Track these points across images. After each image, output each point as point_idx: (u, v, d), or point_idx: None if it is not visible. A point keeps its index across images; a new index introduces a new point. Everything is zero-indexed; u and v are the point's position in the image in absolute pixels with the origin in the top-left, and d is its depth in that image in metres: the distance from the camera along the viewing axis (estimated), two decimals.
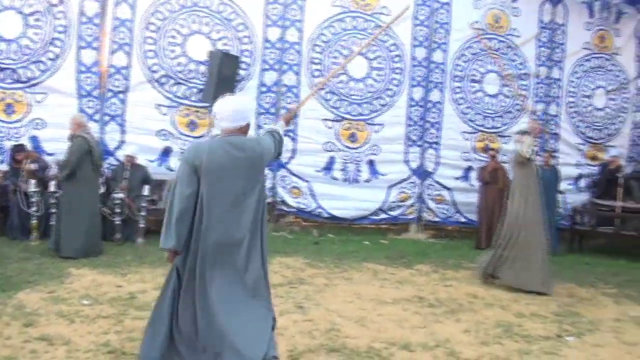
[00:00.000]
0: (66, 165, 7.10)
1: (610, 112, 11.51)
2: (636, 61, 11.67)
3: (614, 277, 7.73)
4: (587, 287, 7.03)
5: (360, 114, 10.03)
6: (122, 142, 9.08)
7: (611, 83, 11.52)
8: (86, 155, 7.11)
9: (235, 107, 3.42)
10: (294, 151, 9.81)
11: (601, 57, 11.44)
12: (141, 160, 8.81)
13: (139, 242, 7.97)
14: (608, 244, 10.15)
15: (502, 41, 10.69)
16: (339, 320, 4.93)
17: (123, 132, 9.11)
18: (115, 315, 4.73)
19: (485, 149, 10.44)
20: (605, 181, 10.21)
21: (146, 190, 8.29)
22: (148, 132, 9.16)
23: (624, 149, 11.42)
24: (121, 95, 9.07)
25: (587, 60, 11.35)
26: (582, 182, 11.17)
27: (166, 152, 9.26)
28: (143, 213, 8.15)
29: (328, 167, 9.88)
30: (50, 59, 8.72)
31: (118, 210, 8.04)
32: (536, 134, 7.62)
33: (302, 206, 9.87)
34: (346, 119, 9.94)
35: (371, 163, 10.09)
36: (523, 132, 7.13)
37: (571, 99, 11.24)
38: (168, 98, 9.24)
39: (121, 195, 8.17)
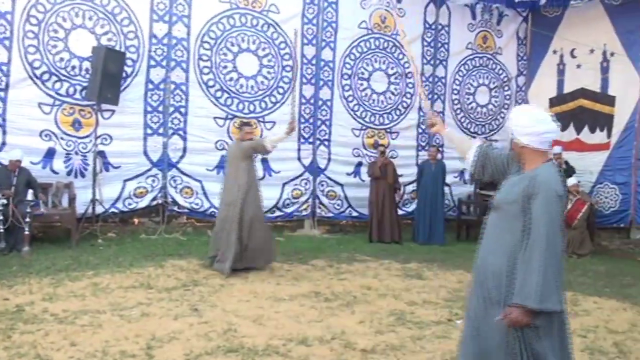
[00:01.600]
0: None
1: (492, 109, 12.22)
2: (517, 60, 12.43)
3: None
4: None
5: (252, 112, 10.08)
6: (3, 143, 8.56)
7: (493, 81, 12.25)
8: None
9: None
10: (184, 150, 9.72)
11: (484, 57, 12.11)
12: (24, 162, 8.35)
13: (24, 251, 7.52)
14: None
15: (389, 40, 11.06)
16: (236, 320, 4.97)
17: (4, 132, 8.58)
18: (2, 331, 4.50)
19: (375, 145, 10.81)
20: None
21: (30, 195, 7.83)
22: (30, 133, 8.69)
23: (506, 142, 12.16)
24: (1, 93, 8.56)
25: (471, 59, 11.98)
26: (467, 175, 11.79)
27: (50, 154, 8.87)
28: (28, 219, 7.72)
29: (220, 166, 9.88)
30: None
31: (1, 218, 7.59)
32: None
33: (195, 206, 9.80)
34: (237, 116, 9.95)
35: (265, 161, 10.16)
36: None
37: (455, 96, 11.85)
38: (50, 96, 8.84)
39: (4, 201, 7.68)
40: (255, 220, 7.01)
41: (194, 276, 6.65)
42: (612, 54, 10.92)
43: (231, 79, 9.95)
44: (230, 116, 9.93)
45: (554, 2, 11.48)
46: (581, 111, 11.41)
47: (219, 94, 9.87)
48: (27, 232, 7.68)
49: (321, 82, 10.62)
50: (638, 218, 10.39)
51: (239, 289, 6.15)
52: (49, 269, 6.71)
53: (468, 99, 12.05)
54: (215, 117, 9.86)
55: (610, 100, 10.94)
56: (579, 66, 11.54)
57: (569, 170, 10.25)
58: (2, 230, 7.63)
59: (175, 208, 9.79)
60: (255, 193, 7.08)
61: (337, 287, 6.35)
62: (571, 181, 9.52)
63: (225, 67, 9.88)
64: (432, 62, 11.55)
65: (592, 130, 11.24)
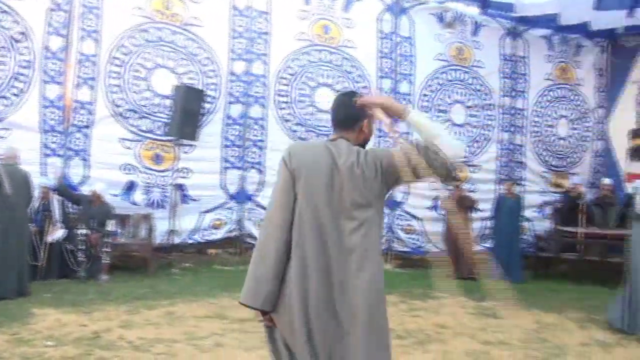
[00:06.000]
0: None
1: (572, 141, 11.95)
2: (596, 92, 12.17)
3: (578, 302, 7.97)
4: (553, 312, 7.24)
5: None
6: (87, 176, 9.05)
7: (574, 113, 12.00)
8: None
9: None
10: (261, 183, 9.95)
11: (564, 88, 11.91)
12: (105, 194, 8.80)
13: (102, 279, 7.96)
14: (572, 269, 10.50)
15: (467, 72, 11.06)
16: None
17: (88, 166, 9.07)
18: (79, 356, 4.72)
19: (457, 179, 10.71)
20: (568, 208, 10.57)
21: (110, 225, 8.33)
22: (112, 167, 9.17)
23: (586, 176, 11.86)
24: (86, 130, 9.07)
25: (551, 90, 11.80)
26: (547, 210, 11.52)
27: (130, 187, 9.29)
28: (107, 249, 8.16)
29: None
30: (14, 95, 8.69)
31: (82, 247, 8.05)
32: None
33: None
34: None
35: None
36: None
37: (535, 129, 11.66)
38: (132, 132, 9.29)
39: (85, 231, 8.16)
40: None
41: None
42: None
43: (309, 113, 10.14)
44: None
45: (632, 31, 11.19)
46: None
47: (295, 127, 10.08)
48: (105, 261, 8.06)
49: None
50: None
51: None
52: (125, 297, 6.94)
53: (548, 131, 11.83)
54: None
55: None
56: None
57: None
58: (83, 259, 8.00)
59: (251, 240, 9.93)
60: None
61: (409, 325, 6.30)
62: None
63: (302, 101, 10.09)
64: (511, 93, 11.41)
65: None
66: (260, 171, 9.97)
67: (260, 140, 9.97)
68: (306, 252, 2.47)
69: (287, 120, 10.00)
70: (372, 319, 2.45)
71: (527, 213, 10.89)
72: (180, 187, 9.50)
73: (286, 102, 10.04)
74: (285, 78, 10.04)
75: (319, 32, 10.24)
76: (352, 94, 2.72)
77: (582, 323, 6.77)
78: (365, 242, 2.48)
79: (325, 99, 10.16)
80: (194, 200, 9.64)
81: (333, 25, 10.32)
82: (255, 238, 9.72)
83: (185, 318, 6.06)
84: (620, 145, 11.76)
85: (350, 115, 2.64)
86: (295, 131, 10.06)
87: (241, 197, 9.87)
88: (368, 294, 2.45)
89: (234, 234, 9.95)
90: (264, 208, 9.84)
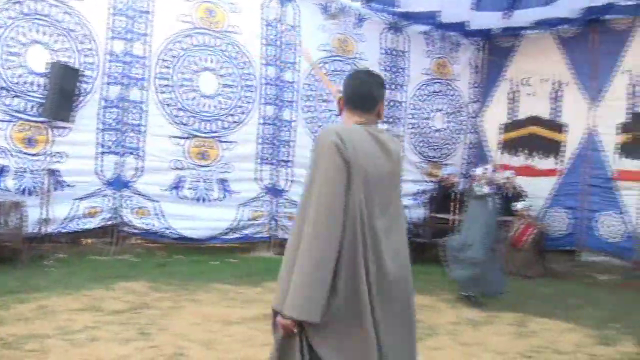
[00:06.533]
0: None
1: (447, 134, 12.75)
2: (470, 87, 13.05)
3: (450, 285, 8.60)
4: (427, 295, 7.83)
5: (211, 131, 10.26)
6: None
7: (449, 106, 12.80)
8: None
9: None
10: (140, 169, 9.86)
11: (440, 83, 12.68)
12: None
13: None
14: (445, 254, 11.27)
15: (350, 63, 11.49)
16: (186, 344, 5.03)
17: None
18: None
19: None
20: (442, 197, 11.33)
21: None
22: None
23: (458, 166, 12.74)
24: None
25: (428, 85, 12.51)
26: (422, 198, 12.31)
27: (1, 171, 8.86)
28: None
29: (176, 186, 9.97)
30: None
31: None
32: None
33: (149, 227, 9.92)
34: (197, 136, 10.14)
35: (223, 182, 10.34)
36: None
37: (412, 120, 12.33)
38: (4, 112, 8.86)
39: None
40: None
41: (144, 299, 6.70)
42: (563, 84, 11.66)
43: (191, 99, 10.13)
44: (189, 136, 10.04)
45: (507, 32, 12.17)
46: (532, 138, 12.17)
47: (179, 113, 10.05)
48: None
49: (283, 103, 10.91)
50: (587, 242, 11.07)
51: (190, 312, 6.23)
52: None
53: (425, 123, 12.53)
54: (172, 137, 9.96)
55: (561, 128, 11.74)
56: (531, 94, 12.21)
57: (518, 195, 10.82)
58: None
59: (129, 228, 9.86)
60: None
61: None
62: (520, 205, 10.08)
63: (184, 85, 10.08)
64: (390, 86, 11.98)
65: (543, 156, 11.93)
66: (138, 157, 9.86)
67: (140, 125, 9.85)
68: (358, 252, 2.31)
69: (168, 105, 9.96)
70: (411, 314, 2.59)
71: (404, 201, 11.42)
72: (53, 172, 9.18)
73: (167, 86, 9.98)
74: (166, 60, 9.98)
75: (203, 15, 10.25)
76: (372, 74, 2.59)
77: (453, 304, 7.43)
78: (403, 239, 2.53)
79: (209, 84, 10.18)
80: (69, 186, 9.35)
81: (218, 9, 10.37)
82: (133, 227, 9.65)
83: (59, 312, 5.92)
84: (492, 138, 12.89)
85: (373, 97, 2.51)
86: (176, 116, 10.04)
87: (118, 184, 9.73)
88: (411, 294, 2.59)
89: (110, 222, 9.77)
90: (142, 195, 9.74)
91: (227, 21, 10.42)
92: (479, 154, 13.05)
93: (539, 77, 12.08)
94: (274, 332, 2.42)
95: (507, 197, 10.94)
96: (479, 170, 8.33)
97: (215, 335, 5.38)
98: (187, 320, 5.88)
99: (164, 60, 9.97)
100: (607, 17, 10.91)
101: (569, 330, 6.34)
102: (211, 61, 10.32)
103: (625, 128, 10.64)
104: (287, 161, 11.04)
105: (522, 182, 11.49)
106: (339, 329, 2.30)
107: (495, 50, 12.96)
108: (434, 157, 12.68)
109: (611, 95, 11.00)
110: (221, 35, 10.37)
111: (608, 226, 10.81)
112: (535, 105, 12.20)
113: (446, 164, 12.67)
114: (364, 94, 2.50)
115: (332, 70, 11.40)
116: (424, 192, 12.37)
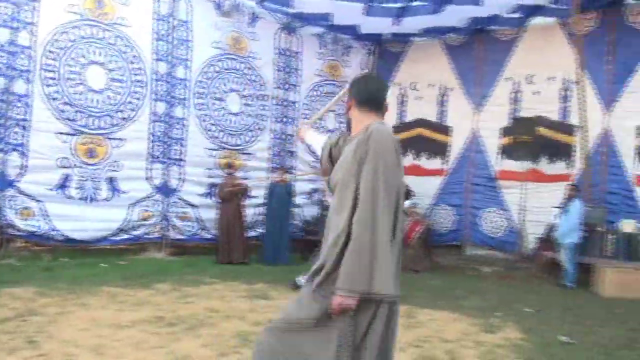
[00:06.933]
0: None
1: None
2: None
3: None
4: None
5: (99, 128, 9.93)
6: None
7: (340, 108, 13.16)
8: None
9: None
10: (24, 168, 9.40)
11: (332, 84, 13.06)
12: None
13: None
14: None
15: (243, 62, 11.54)
16: (75, 351, 4.88)
17: None
18: None
19: (229, 166, 11.12)
20: None
21: None
22: None
23: None
24: None
25: (321, 86, 12.84)
26: (315, 196, 12.73)
27: None
28: None
29: (63, 185, 9.55)
30: None
31: None
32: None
33: (34, 229, 9.48)
34: (84, 132, 9.79)
35: (111, 180, 10.05)
36: None
37: (306, 121, 12.56)
38: None
39: None
40: None
41: (30, 305, 6.42)
42: (449, 89, 12.47)
43: (79, 92, 9.80)
44: (75, 132, 9.67)
45: (397, 38, 12.76)
46: (420, 139, 12.92)
47: (65, 107, 9.68)
48: None
49: (174, 100, 10.75)
50: (471, 236, 11.98)
51: (79, 316, 6.06)
52: None
53: (317, 123, 12.83)
54: (58, 133, 9.56)
55: (447, 130, 12.64)
56: (419, 98, 12.94)
57: (407, 193, 11.38)
58: None
59: (13, 231, 9.37)
60: None
61: (181, 311, 6.49)
62: (407, 203, 10.60)
63: (71, 79, 9.74)
64: (284, 86, 12.17)
65: (430, 157, 12.75)
66: (23, 154, 9.41)
67: (24, 120, 9.41)
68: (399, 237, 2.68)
69: (54, 99, 9.58)
70: None
71: (297, 199, 11.82)
72: None
73: (54, 79, 9.59)
74: (53, 52, 9.62)
75: (91, 6, 9.98)
76: (382, 80, 3.06)
77: None
78: None
79: (97, 78, 9.86)
80: None
81: (107, 1, 10.13)
82: (17, 229, 9.19)
83: None
84: None
85: (385, 100, 2.90)
86: (63, 111, 9.69)
87: (1, 183, 9.23)
88: None
89: None
90: (26, 195, 9.29)
91: (117, 13, 10.19)
92: None
93: (427, 82, 12.89)
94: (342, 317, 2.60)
95: None
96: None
97: (105, 340, 5.27)
98: (76, 325, 5.70)
99: (50, 51, 9.61)
100: (492, 27, 11.87)
101: (454, 319, 6.70)
102: (100, 54, 10.05)
103: (507, 131, 11.56)
104: (179, 160, 10.91)
105: (411, 181, 12.08)
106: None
107: (386, 55, 13.64)
108: None
109: (494, 101, 11.99)
110: (110, 28, 10.11)
111: (491, 222, 11.75)
112: (422, 109, 12.98)
113: None
114: (380, 98, 2.88)
115: (225, 69, 11.41)
116: (316, 190, 12.73)
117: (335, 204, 2.71)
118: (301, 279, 7.29)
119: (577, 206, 9.31)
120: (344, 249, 2.57)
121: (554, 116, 11.08)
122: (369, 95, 2.86)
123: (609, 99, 10.51)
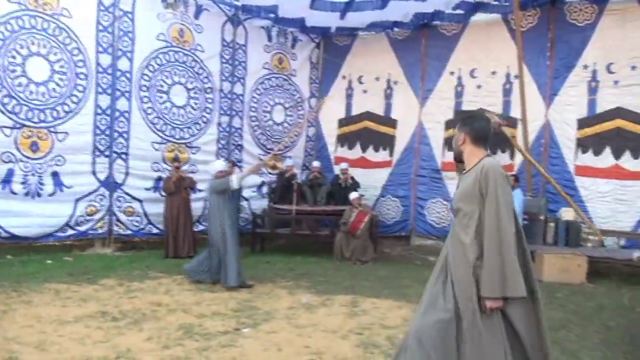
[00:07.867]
0: None
1: (287, 127, 13.40)
2: (309, 83, 13.83)
3: (290, 272, 9.39)
4: (266, 283, 8.43)
5: (42, 121, 9.91)
6: None
7: (288, 101, 13.47)
8: None
9: None
10: None
11: (280, 77, 13.28)
12: None
13: None
14: (286, 243, 12.15)
15: (188, 55, 11.66)
16: (17, 348, 4.97)
17: None
18: None
19: (175, 159, 11.22)
20: (283, 188, 11.95)
21: None
22: None
23: (299, 159, 13.52)
24: None
25: (268, 78, 13.06)
26: (264, 189, 12.98)
27: None
28: None
29: (6, 180, 9.48)
30: None
31: None
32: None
33: None
34: (26, 125, 9.74)
35: (56, 175, 10.03)
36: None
37: (253, 113, 12.81)
38: None
39: None
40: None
41: None
42: (395, 82, 12.95)
43: (20, 84, 9.70)
44: (18, 125, 9.59)
45: (343, 32, 13.15)
46: (367, 132, 13.37)
47: (5, 100, 9.57)
48: None
49: (118, 93, 10.77)
50: (417, 227, 12.48)
51: (22, 314, 6.14)
52: None
53: (265, 116, 13.07)
54: (1, 127, 9.49)
55: (393, 123, 13.09)
56: (365, 91, 13.31)
57: (354, 185, 11.84)
58: None
59: None
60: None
61: (125, 306, 6.64)
62: (353, 195, 11.00)
63: (13, 70, 9.67)
64: (230, 79, 12.34)
65: (376, 150, 13.23)
66: None
67: None
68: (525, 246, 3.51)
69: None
70: None
71: (245, 193, 12.10)
72: None
73: None
74: None
75: None
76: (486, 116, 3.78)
77: (291, 290, 8.02)
78: None
79: (39, 70, 9.81)
80: None
81: None
82: None
83: None
84: (329, 132, 13.81)
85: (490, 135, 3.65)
86: (4, 104, 9.59)
87: None
88: None
89: None
90: None
91: (58, 4, 10.12)
92: (317, 147, 14.11)
93: (373, 76, 13.32)
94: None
95: (344, 187, 11.86)
96: (218, 164, 8.99)
97: (49, 336, 5.38)
98: (19, 323, 5.79)
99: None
100: (437, 22, 12.36)
101: (397, 307, 7.00)
102: (41, 45, 9.98)
103: (450, 124, 12.06)
104: (123, 153, 10.96)
105: (358, 173, 12.49)
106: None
107: (333, 48, 14.02)
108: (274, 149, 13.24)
109: (439, 94, 12.49)
110: (52, 19, 10.04)
111: (436, 212, 12.20)
112: (369, 102, 13.40)
113: (287, 157, 13.39)
114: (488, 135, 3.59)
115: (170, 61, 11.50)
116: (264, 183, 12.97)
117: (460, 225, 3.46)
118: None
119: (518, 196, 9.83)
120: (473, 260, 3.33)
121: (498, 109, 11.44)
122: (481, 133, 3.55)
123: (549, 93, 11.06)
